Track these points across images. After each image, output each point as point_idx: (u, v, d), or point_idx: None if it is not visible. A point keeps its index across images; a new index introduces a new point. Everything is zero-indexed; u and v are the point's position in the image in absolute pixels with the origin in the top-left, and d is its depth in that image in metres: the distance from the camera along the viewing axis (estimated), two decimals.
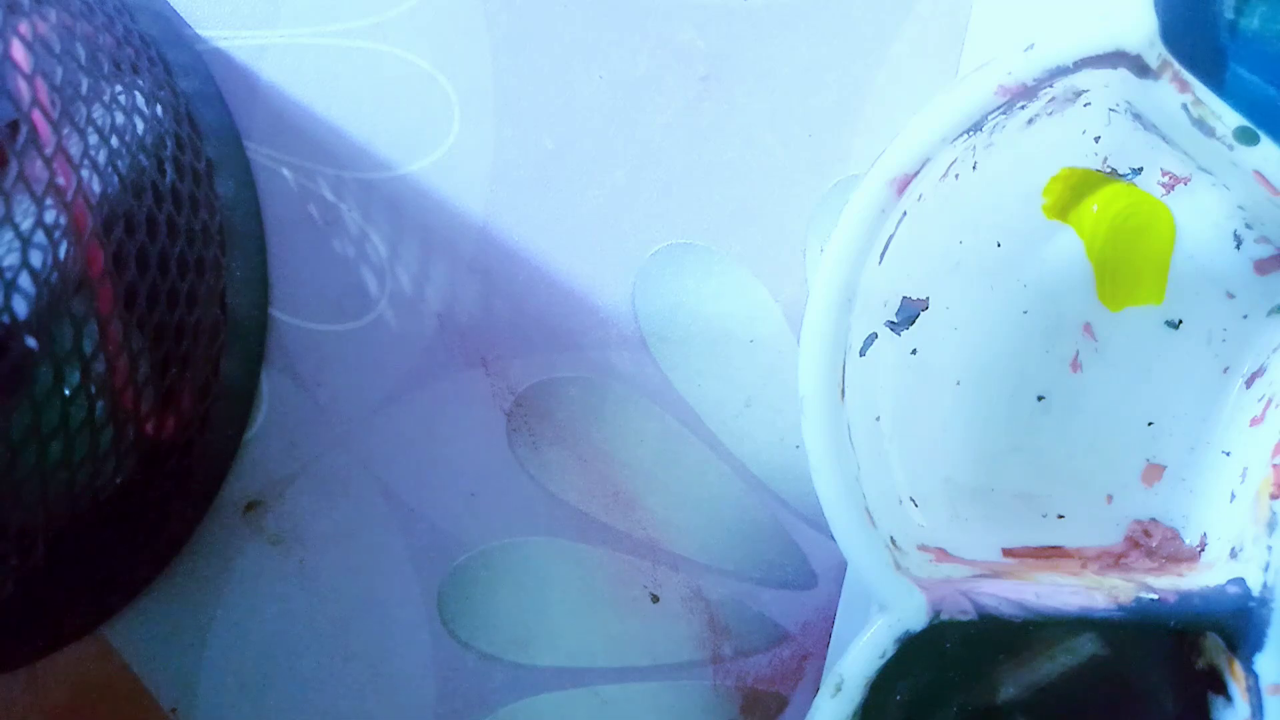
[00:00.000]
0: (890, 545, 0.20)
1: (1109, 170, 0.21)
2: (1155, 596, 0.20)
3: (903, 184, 0.19)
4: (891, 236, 0.20)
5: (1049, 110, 0.20)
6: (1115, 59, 0.19)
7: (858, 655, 0.19)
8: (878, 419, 0.21)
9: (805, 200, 0.24)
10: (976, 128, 0.20)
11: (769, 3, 0.24)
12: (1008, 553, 0.22)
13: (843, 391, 0.19)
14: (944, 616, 0.19)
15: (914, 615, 0.19)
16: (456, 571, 0.24)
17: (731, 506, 0.24)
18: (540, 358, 0.24)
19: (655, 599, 0.24)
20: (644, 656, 0.24)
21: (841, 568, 0.24)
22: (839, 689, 0.19)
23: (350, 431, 0.24)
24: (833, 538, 0.24)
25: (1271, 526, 0.20)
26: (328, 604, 0.24)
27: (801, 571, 0.24)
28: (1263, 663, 0.20)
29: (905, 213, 0.20)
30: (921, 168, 0.19)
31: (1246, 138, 0.19)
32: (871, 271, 0.20)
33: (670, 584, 0.24)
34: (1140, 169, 0.21)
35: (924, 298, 0.22)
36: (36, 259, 0.17)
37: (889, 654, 0.19)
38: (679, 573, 0.24)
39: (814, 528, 0.24)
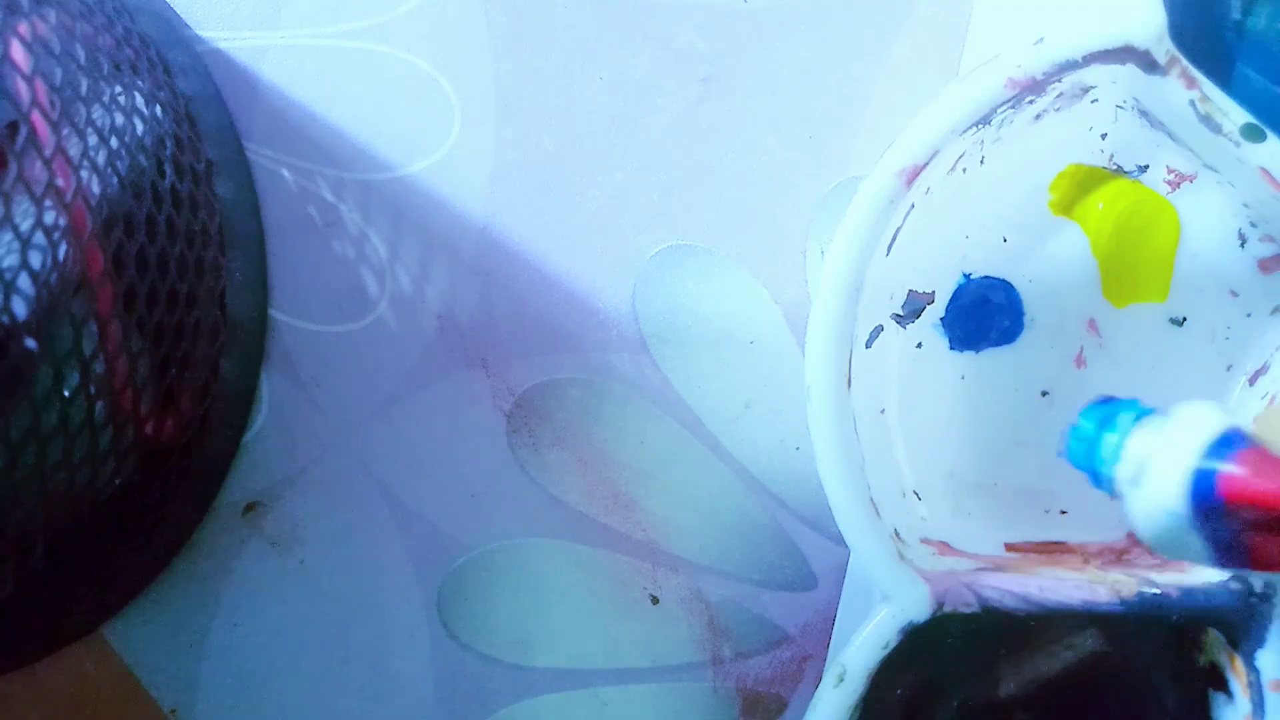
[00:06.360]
0: (894, 537, 0.20)
1: (1115, 167, 0.21)
2: (1158, 591, 0.20)
3: (911, 175, 0.19)
4: (899, 229, 0.20)
5: (1056, 106, 0.20)
6: (1124, 54, 0.19)
7: (861, 645, 0.19)
8: (882, 412, 0.21)
9: (805, 202, 0.24)
10: (985, 121, 0.19)
11: (770, 4, 0.24)
12: (1010, 548, 0.22)
13: (849, 382, 0.19)
14: (947, 608, 0.19)
15: (918, 606, 0.19)
16: (456, 573, 0.24)
17: (731, 508, 0.24)
18: (540, 359, 0.24)
19: (655, 600, 0.24)
20: (644, 658, 0.24)
21: (841, 569, 0.24)
22: (841, 679, 0.19)
23: (350, 432, 0.24)
24: (833, 538, 0.24)
25: None
26: (327, 604, 0.24)
27: (801, 573, 0.24)
28: (1264, 659, 0.20)
29: (913, 205, 0.20)
30: (930, 159, 0.19)
31: (1253, 134, 0.19)
32: (879, 263, 0.20)
33: (670, 586, 0.24)
34: (1146, 166, 0.21)
35: (929, 291, 0.22)
36: (36, 260, 0.17)
37: (892, 645, 0.19)
38: (679, 574, 0.24)
39: (814, 530, 0.24)
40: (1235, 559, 0.16)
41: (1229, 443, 0.16)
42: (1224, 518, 0.16)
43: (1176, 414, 0.17)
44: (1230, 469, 0.15)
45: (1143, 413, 0.18)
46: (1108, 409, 0.19)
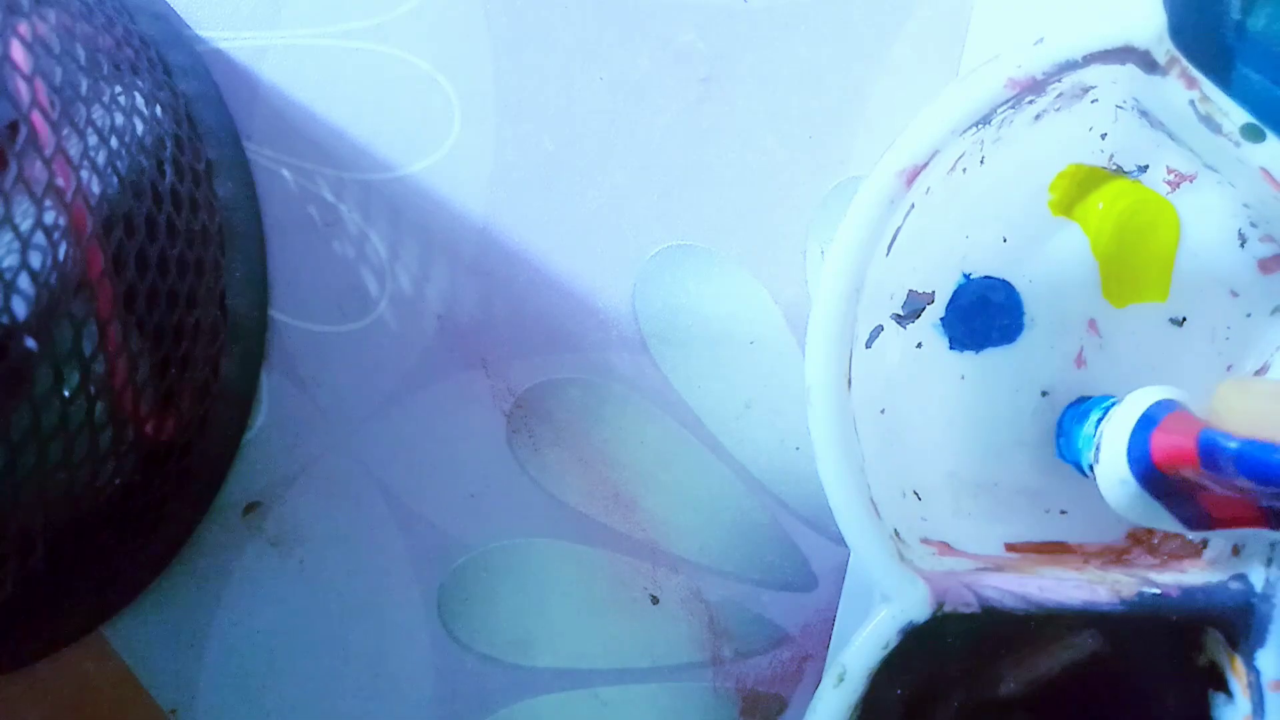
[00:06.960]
0: (894, 537, 0.20)
1: (1115, 167, 0.21)
2: (1158, 591, 0.20)
3: (911, 175, 0.19)
4: (899, 229, 0.20)
5: (1056, 106, 0.20)
6: (1124, 54, 0.19)
7: (861, 645, 0.19)
8: (882, 412, 0.21)
9: (805, 202, 0.24)
10: (985, 121, 0.19)
11: (770, 4, 0.24)
12: (1010, 548, 0.22)
13: (849, 382, 0.19)
14: (947, 608, 0.19)
15: (917, 606, 0.19)
16: (456, 573, 0.24)
17: (731, 508, 0.24)
18: (540, 359, 0.24)
19: (655, 600, 0.24)
20: (644, 658, 0.24)
21: (842, 569, 0.24)
22: (841, 679, 0.19)
23: (350, 432, 0.24)
24: (833, 538, 0.24)
25: None
26: (328, 605, 0.24)
27: (802, 573, 0.24)
28: (1264, 659, 0.20)
29: (913, 205, 0.20)
30: (930, 159, 0.19)
31: (1253, 135, 0.19)
32: (879, 263, 0.20)
33: (670, 585, 0.24)
34: (1146, 166, 0.21)
35: (929, 291, 0.22)
36: (36, 260, 0.17)
37: (892, 645, 0.19)
38: (679, 574, 0.24)
39: (814, 529, 0.24)
40: (1198, 521, 0.17)
41: (1162, 411, 0.17)
42: (1166, 479, 0.17)
43: (1128, 398, 0.18)
44: (1158, 433, 0.17)
45: (1110, 405, 0.20)
46: (1084, 406, 0.21)
